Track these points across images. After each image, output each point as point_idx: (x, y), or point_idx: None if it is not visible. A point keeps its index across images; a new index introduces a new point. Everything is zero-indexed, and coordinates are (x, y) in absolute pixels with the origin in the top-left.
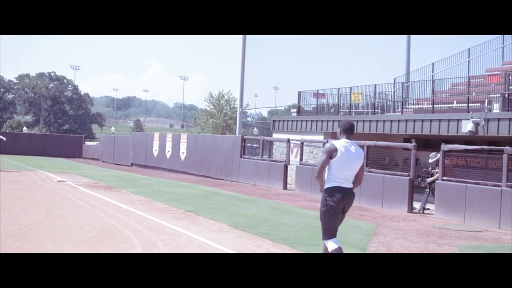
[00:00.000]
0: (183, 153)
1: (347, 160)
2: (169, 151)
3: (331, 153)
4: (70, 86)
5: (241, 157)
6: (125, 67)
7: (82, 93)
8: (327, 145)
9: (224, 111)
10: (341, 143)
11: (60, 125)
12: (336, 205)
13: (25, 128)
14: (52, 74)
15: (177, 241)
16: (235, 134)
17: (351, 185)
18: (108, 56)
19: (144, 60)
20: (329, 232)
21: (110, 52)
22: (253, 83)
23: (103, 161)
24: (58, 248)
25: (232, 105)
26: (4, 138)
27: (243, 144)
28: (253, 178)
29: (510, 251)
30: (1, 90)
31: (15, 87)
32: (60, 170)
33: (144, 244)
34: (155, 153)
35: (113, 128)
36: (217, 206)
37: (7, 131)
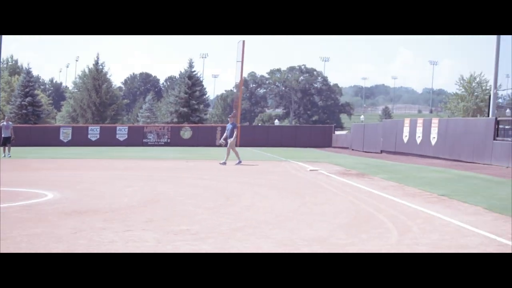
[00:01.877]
0: (434, 137)
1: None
2: (419, 137)
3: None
4: (319, 78)
5: (494, 139)
6: (373, 55)
7: (331, 84)
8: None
9: (476, 93)
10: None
11: (309, 116)
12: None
13: (276, 120)
14: (303, 67)
15: (431, 224)
16: (487, 116)
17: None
18: (357, 46)
19: (393, 47)
20: None
21: (359, 41)
22: (505, 64)
23: (352, 149)
24: (315, 233)
25: (483, 87)
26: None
27: (496, 127)
28: (507, 160)
29: None
30: (253, 85)
31: (267, 81)
32: (311, 159)
33: (399, 229)
34: (405, 139)
35: (362, 116)
36: (470, 189)
37: (259, 124)
